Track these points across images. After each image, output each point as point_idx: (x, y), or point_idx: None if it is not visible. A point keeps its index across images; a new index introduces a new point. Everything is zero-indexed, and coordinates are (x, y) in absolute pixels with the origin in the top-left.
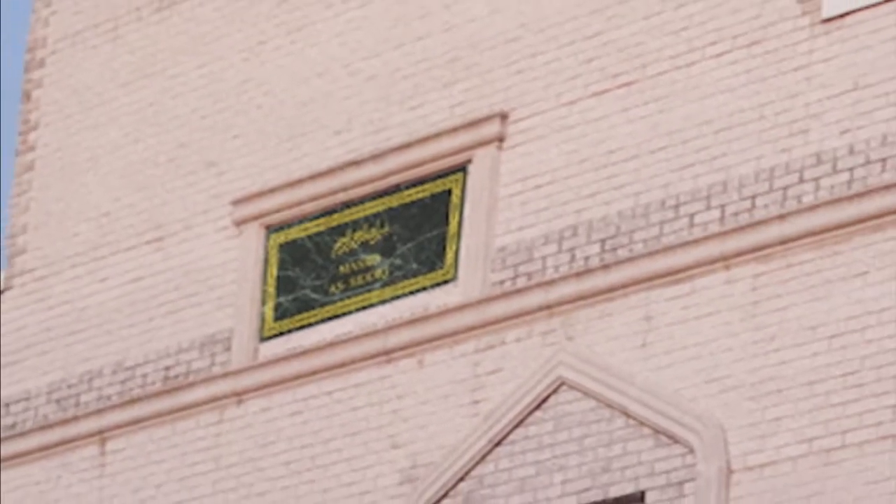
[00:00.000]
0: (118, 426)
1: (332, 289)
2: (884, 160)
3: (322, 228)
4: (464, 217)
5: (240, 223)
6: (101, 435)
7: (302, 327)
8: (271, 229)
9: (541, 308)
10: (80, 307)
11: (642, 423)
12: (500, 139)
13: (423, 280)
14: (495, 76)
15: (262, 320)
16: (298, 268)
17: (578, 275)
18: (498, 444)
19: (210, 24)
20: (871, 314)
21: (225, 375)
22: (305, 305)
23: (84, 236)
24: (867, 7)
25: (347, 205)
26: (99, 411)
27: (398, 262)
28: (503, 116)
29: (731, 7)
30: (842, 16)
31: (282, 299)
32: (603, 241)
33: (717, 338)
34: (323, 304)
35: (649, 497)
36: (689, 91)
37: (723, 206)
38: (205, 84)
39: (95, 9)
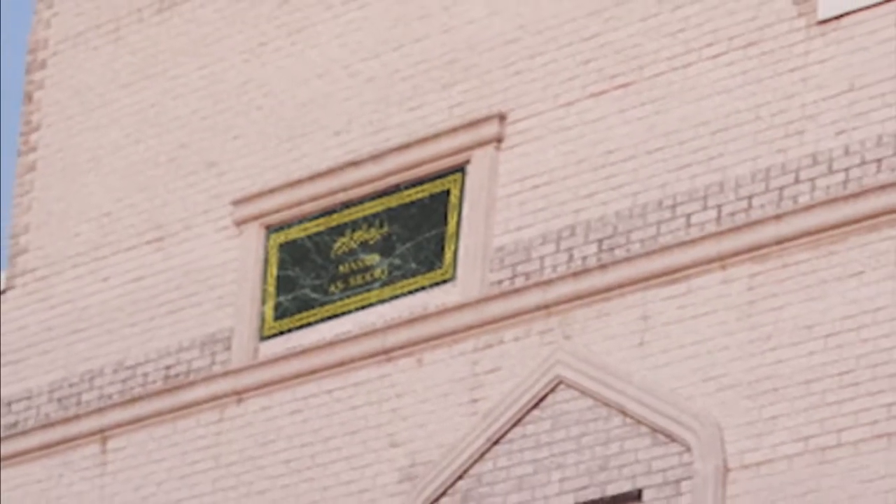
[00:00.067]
0: (119, 425)
1: (332, 288)
2: (879, 161)
3: (322, 228)
4: (462, 217)
5: (240, 223)
6: (103, 433)
7: (302, 326)
8: (271, 229)
9: (539, 307)
10: (81, 306)
11: (639, 422)
12: (499, 140)
13: (421, 280)
14: (494, 77)
15: (262, 320)
16: (298, 267)
17: (576, 274)
18: (496, 442)
19: (211, 25)
20: (867, 314)
21: (225, 374)
22: (305, 305)
23: (85, 236)
24: (863, 9)
25: (347, 205)
26: (100, 410)
27: (397, 261)
28: (501, 117)
29: (728, 9)
30: (837, 17)
31: (282, 299)
32: (600, 240)
33: (713, 337)
34: (322, 304)
35: (646, 495)
36: (686, 92)
37: (719, 207)
38: (205, 85)
39: (97, 10)
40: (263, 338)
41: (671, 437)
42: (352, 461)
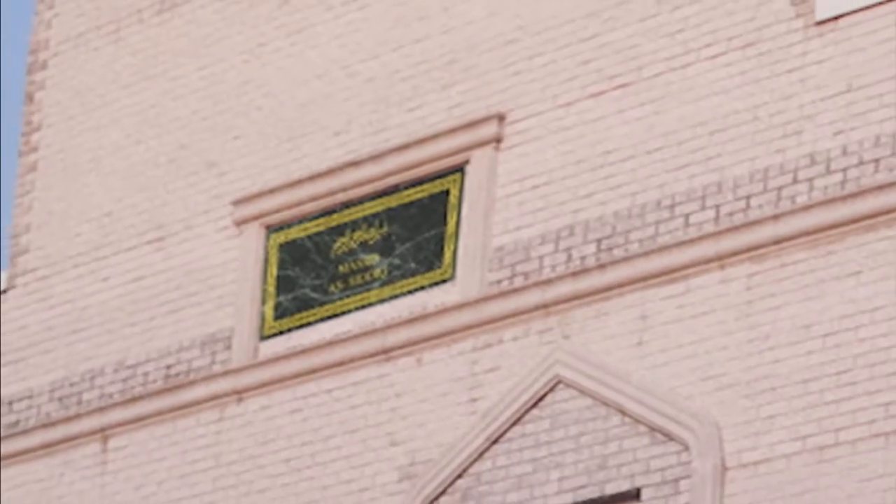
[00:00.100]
0: (120, 424)
1: (332, 288)
2: (877, 161)
3: (321, 228)
4: (461, 217)
5: (240, 223)
6: (103, 432)
7: (301, 326)
8: (271, 229)
9: (538, 307)
10: (82, 306)
11: (638, 421)
12: (498, 140)
13: (421, 279)
14: (493, 78)
15: (263, 319)
16: (298, 267)
17: (575, 274)
18: (495, 441)
19: (211, 26)
20: (865, 313)
21: (225, 374)
22: (305, 304)
23: (86, 236)
24: (860, 10)
25: (347, 205)
26: (101, 409)
27: (397, 261)
28: (500, 118)
29: (726, 10)
30: (835, 18)
31: (282, 298)
32: (599, 240)
33: (711, 336)
34: (322, 304)
35: (645, 494)
36: (685, 93)
37: (717, 207)
38: (205, 85)
39: (97, 11)
40: (263, 337)
41: (669, 437)
42: (351, 460)
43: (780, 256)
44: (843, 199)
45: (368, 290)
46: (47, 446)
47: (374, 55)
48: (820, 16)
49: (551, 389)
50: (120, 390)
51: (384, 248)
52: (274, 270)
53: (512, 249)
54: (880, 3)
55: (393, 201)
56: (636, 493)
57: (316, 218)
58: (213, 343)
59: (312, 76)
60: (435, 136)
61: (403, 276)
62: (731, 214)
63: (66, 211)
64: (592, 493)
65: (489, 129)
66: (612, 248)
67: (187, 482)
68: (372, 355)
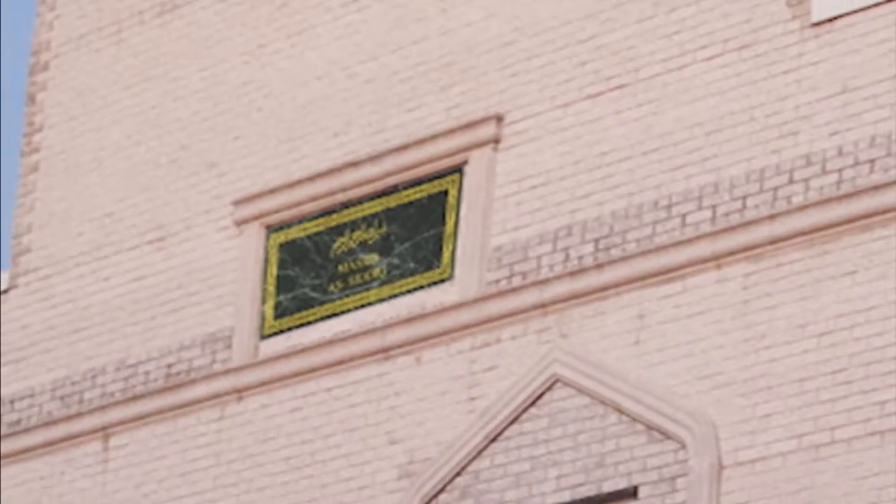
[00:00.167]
0: (121, 422)
1: (331, 287)
2: (872, 161)
3: (321, 228)
4: (460, 217)
5: (240, 223)
6: (104, 431)
7: (301, 325)
8: (271, 229)
9: (535, 306)
10: (83, 306)
11: (635, 420)
12: (496, 141)
13: (420, 279)
14: (491, 79)
15: (263, 318)
16: (298, 267)
17: (572, 274)
18: (494, 439)
19: (211, 27)
20: (860, 312)
21: (226, 373)
22: (305, 304)
23: (87, 236)
24: (856, 11)
25: (346, 205)
26: (102, 408)
27: (396, 261)
28: (499, 118)
29: (722, 11)
30: (831, 20)
31: (282, 298)
32: (596, 240)
33: (708, 336)
34: (322, 303)
35: (642, 492)
36: (681, 94)
37: (714, 207)
38: (206, 87)
39: (99, 13)
40: (264, 336)
41: (666, 435)
42: (351, 458)
43: (777, 256)
44: (839, 199)
45: (368, 289)
46: (49, 444)
47: (374, 56)
48: (816, 17)
49: (549, 388)
50: (121, 389)
51: (383, 247)
52: (274, 270)
53: (510, 249)
54: (876, 5)
55: (392, 201)
56: (633, 492)
57: (316, 218)
58: (214, 342)
59: (312, 77)
60: (434, 137)
61: (402, 276)
62: (727, 214)
63: (67, 211)
64: (590, 491)
65: (487, 130)
66: (610, 247)
67: (188, 480)
68: (371, 354)
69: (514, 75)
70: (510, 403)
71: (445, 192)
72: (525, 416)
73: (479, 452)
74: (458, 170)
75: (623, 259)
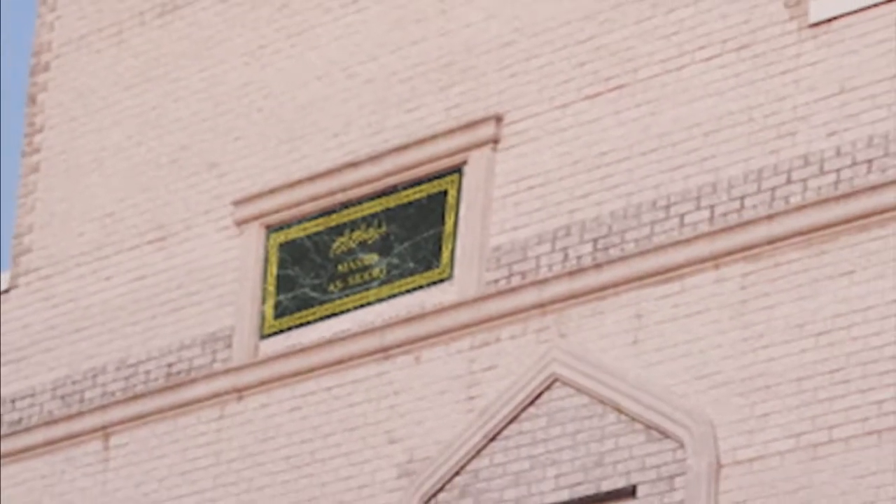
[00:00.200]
0: (121, 422)
1: (331, 287)
2: (869, 161)
3: (321, 228)
4: (459, 217)
5: (240, 223)
6: (105, 430)
7: (301, 325)
8: (271, 229)
9: (534, 306)
10: (84, 305)
11: (634, 419)
12: (495, 141)
13: (419, 279)
14: (490, 79)
15: (263, 318)
16: (298, 267)
17: (571, 274)
18: (493, 439)
19: (212, 28)
20: (857, 312)
21: (226, 372)
22: (305, 303)
23: (88, 236)
24: (854, 12)
25: (346, 205)
26: (102, 407)
27: (395, 261)
28: (498, 119)
29: (721, 12)
30: (829, 21)
31: (281, 297)
32: (595, 240)
33: (706, 335)
34: (322, 303)
35: (640, 491)
36: (680, 94)
37: (712, 207)
38: (206, 87)
39: (99, 14)
40: (263, 336)
41: (665, 434)
42: (350, 457)
43: (774, 256)
44: (837, 199)
45: (367, 289)
46: (49, 444)
47: (373, 57)
48: (813, 18)
49: (548, 387)
50: (121, 388)
51: (383, 247)
52: (274, 270)
53: (509, 249)
54: (873, 6)
55: (391, 201)
56: (632, 490)
57: (315, 218)
58: (214, 342)
59: (312, 78)
60: (433, 137)
61: (402, 276)
62: (725, 215)
63: (68, 211)
64: (589, 490)
65: (487, 131)
66: (608, 247)
67: (188, 479)
68: (370, 354)
69: (513, 76)
70: (509, 403)
71: (445, 193)
72: (524, 415)
73: (479, 451)
74: (457, 170)
75: (621, 259)
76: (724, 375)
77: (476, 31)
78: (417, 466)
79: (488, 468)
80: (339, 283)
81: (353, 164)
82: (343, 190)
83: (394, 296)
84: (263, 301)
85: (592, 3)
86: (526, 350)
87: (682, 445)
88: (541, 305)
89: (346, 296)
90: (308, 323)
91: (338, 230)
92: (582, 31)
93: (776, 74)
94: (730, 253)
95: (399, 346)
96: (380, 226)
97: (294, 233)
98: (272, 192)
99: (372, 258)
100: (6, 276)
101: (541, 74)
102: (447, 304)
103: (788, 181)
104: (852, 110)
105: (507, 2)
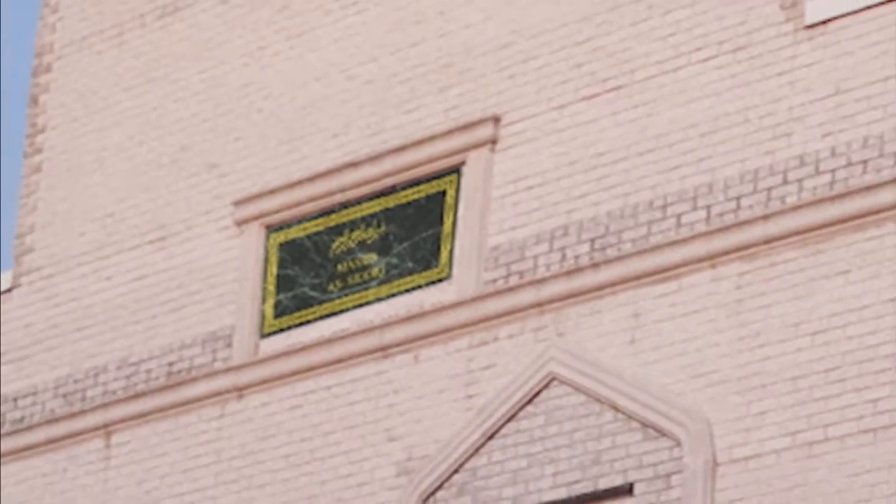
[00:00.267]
0: (123, 420)
1: (331, 287)
2: (865, 162)
3: (321, 228)
4: (458, 217)
5: (241, 223)
6: (107, 428)
7: (301, 324)
8: (271, 229)
9: (532, 305)
10: (85, 304)
11: (631, 417)
12: (493, 142)
13: (418, 278)
14: (488, 81)
15: (263, 317)
16: (298, 266)
17: (569, 273)
18: (491, 437)
19: (212, 30)
20: (853, 311)
21: (226, 371)
22: (304, 303)
23: (90, 236)
24: (849, 14)
25: (345, 205)
26: (104, 405)
27: (394, 260)
28: (496, 120)
29: (717, 14)
30: (824, 22)
31: (281, 297)
32: (593, 240)
33: (703, 334)
34: (321, 302)
35: (637, 489)
36: (676, 95)
37: (709, 207)
38: (207, 88)
39: (101, 15)
40: (264, 335)
41: (662, 432)
42: (350, 455)
43: (770, 256)
44: (832, 199)
45: (366, 288)
46: (51, 442)
47: (373, 58)
48: (809, 20)
49: (546, 386)
50: (123, 387)
51: (382, 247)
52: (274, 269)
53: (507, 249)
54: (868, 8)
55: (391, 202)
56: (629, 488)
57: (315, 218)
58: (215, 341)
59: (312, 79)
60: (432, 138)
61: (401, 275)
62: (721, 215)
63: (69, 211)
64: (586, 487)
65: (485, 131)
66: (606, 247)
67: (189, 477)
68: (370, 353)
69: (511, 77)
70: (507, 401)
71: (443, 193)
72: (522, 413)
73: (477, 450)
74: (455, 170)
75: (619, 258)
76: (721, 374)
77: (474, 32)
78: (416, 464)
79: (486, 466)
80: (338, 283)
81: (353, 165)
82: (342, 190)
83: (393, 295)
84: (263, 300)
85: (590, 4)
86: (524, 349)
87: (678, 444)
88: (539, 305)
89: (346, 295)
90: (308, 322)
91: (337, 230)
92: (579, 32)
93: (772, 76)
94: (726, 253)
95: (398, 345)
96: (379, 226)
97: (294, 233)
98: (272, 192)
99: (371, 258)
100: (8, 276)
101: (538, 75)
102: (446, 303)
103: (784, 181)
104: (848, 111)
105: (505, 4)
